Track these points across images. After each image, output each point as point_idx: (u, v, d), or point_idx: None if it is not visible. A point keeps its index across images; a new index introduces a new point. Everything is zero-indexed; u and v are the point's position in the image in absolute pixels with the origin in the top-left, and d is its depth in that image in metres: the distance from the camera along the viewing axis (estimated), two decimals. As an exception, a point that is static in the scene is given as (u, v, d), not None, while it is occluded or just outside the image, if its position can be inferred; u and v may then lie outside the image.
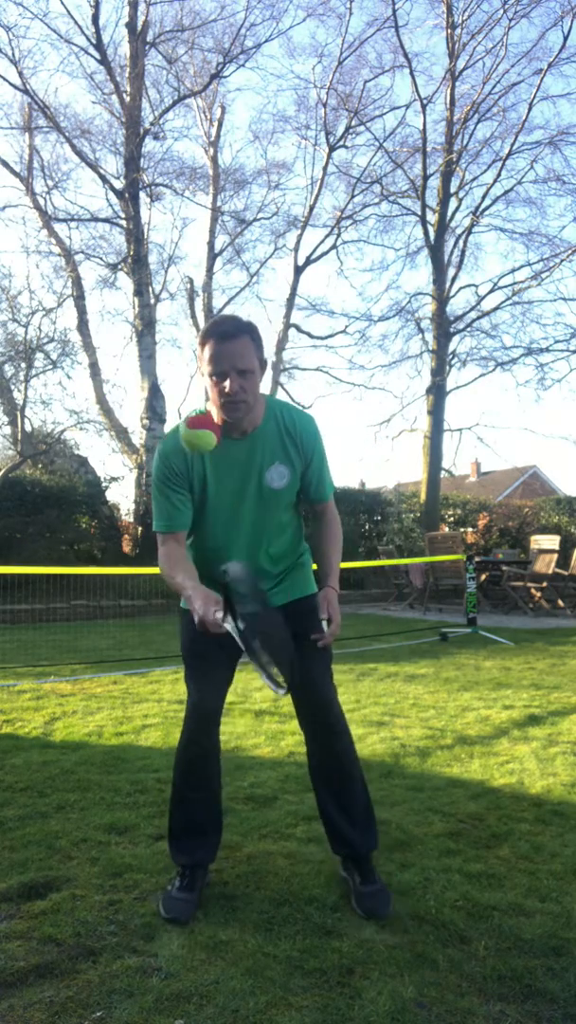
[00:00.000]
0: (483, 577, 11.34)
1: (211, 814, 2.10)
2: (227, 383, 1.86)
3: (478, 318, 16.28)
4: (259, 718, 4.11)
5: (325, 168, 16.62)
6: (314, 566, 2.22)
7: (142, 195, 15.06)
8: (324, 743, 2.10)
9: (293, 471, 2.02)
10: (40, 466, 14.83)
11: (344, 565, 2.16)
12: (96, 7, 13.12)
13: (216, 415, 1.94)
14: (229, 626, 1.70)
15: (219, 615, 1.72)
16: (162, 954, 1.74)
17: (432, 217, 15.83)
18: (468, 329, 16.41)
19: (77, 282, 16.53)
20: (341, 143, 16.55)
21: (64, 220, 16.43)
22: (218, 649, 2.00)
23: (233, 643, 1.77)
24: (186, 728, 2.07)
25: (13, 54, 13.30)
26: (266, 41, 15.59)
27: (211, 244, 17.97)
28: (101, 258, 16.95)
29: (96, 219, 16.08)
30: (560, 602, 10.84)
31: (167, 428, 15.17)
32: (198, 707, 2.04)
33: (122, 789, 2.89)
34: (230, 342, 1.86)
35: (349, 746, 2.12)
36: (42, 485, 12.37)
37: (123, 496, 17.50)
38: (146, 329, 14.43)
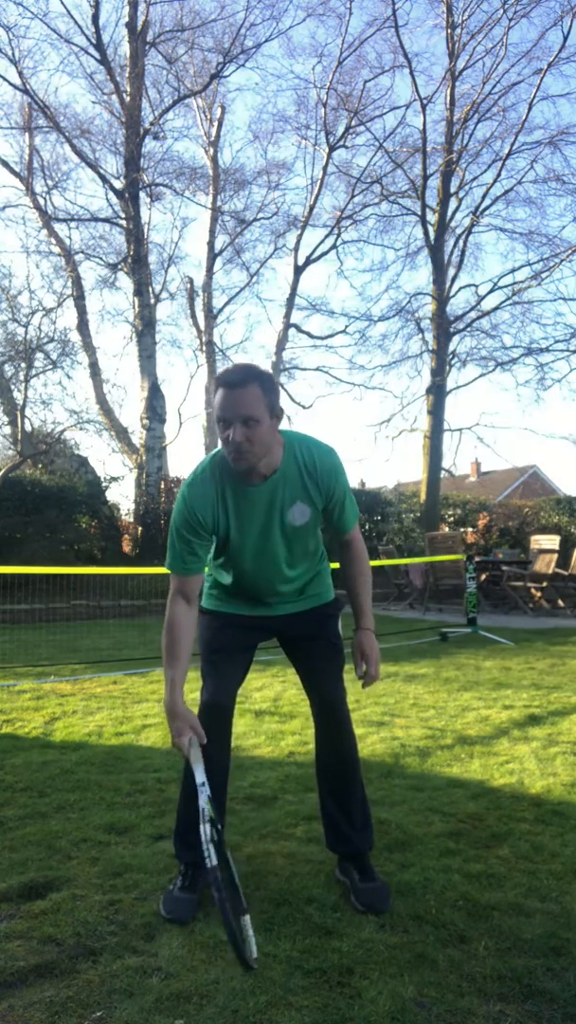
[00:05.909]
0: (483, 577, 11.34)
1: (217, 811, 2.11)
2: (231, 432, 1.84)
3: (478, 318, 16.29)
4: (259, 718, 4.11)
5: (325, 168, 16.63)
6: (334, 564, 2.25)
7: (142, 195, 15.08)
8: (331, 742, 2.13)
9: (314, 508, 2.03)
10: (40, 466, 14.83)
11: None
12: (96, 7, 13.13)
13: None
14: (199, 779, 1.81)
15: (189, 743, 1.83)
16: (162, 954, 1.74)
17: (432, 217, 15.83)
18: (468, 329, 16.43)
19: (77, 282, 16.54)
20: (341, 143, 16.55)
21: (64, 220, 16.45)
22: (240, 649, 2.13)
23: (253, 640, 1.76)
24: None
25: (13, 54, 13.32)
26: (266, 41, 15.59)
27: (211, 244, 17.97)
28: (101, 258, 16.98)
29: (96, 219, 16.10)
30: (560, 602, 10.84)
31: (167, 428, 15.19)
32: (209, 703, 2.06)
33: (122, 789, 2.89)
34: (236, 390, 1.83)
35: (353, 750, 2.15)
36: (42, 485, 12.37)
37: (123, 496, 17.55)
38: (146, 329, 14.43)
